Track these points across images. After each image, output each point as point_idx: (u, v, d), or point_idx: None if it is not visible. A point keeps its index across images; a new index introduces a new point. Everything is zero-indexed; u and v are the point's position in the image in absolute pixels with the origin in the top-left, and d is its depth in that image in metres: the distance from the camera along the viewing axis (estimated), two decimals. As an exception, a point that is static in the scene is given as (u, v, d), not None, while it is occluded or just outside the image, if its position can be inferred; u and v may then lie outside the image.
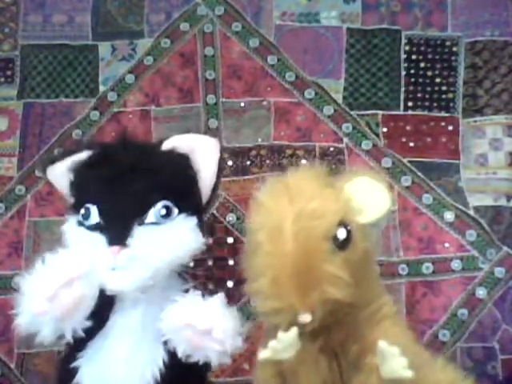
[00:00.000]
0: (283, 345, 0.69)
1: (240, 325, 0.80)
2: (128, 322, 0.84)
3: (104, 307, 0.83)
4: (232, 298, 1.05)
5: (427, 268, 1.31)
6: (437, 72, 1.40)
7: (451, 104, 1.38)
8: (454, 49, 1.40)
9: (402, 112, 1.39)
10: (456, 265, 1.31)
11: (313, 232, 0.71)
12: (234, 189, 1.37)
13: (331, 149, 1.38)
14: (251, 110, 1.41)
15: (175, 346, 0.80)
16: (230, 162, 1.38)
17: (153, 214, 0.80)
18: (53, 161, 0.91)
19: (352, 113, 1.39)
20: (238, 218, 1.35)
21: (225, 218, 1.35)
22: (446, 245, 1.32)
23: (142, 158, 0.84)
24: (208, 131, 1.39)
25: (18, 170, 1.41)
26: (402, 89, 1.40)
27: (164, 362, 0.83)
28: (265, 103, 1.41)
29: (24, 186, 1.40)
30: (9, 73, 1.46)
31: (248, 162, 1.39)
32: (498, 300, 1.29)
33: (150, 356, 0.84)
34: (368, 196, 0.75)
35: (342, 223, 0.73)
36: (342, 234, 0.72)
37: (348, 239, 0.72)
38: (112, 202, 0.80)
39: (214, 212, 1.33)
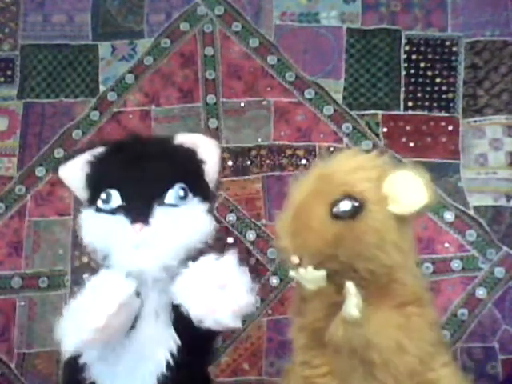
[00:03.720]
0: (309, 276, 0.78)
1: (251, 283, 0.81)
2: (144, 310, 0.86)
3: None
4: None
5: (427, 268, 1.31)
6: (437, 72, 1.40)
7: (451, 104, 1.38)
8: (454, 49, 1.40)
9: (402, 112, 1.39)
10: (456, 265, 1.31)
11: (316, 192, 0.79)
12: (234, 189, 1.37)
13: (331, 149, 1.38)
14: (251, 109, 1.41)
15: (187, 309, 0.80)
16: (229, 162, 1.38)
17: (171, 196, 0.84)
18: (65, 161, 0.94)
19: (352, 113, 1.39)
20: (238, 218, 1.35)
21: (225, 218, 1.35)
22: (446, 245, 1.32)
23: (155, 145, 0.90)
24: (208, 131, 1.39)
25: (17, 170, 1.41)
26: (402, 89, 1.40)
27: (175, 346, 0.85)
28: (265, 103, 1.41)
29: (24, 185, 1.40)
30: (9, 73, 1.46)
31: (248, 162, 1.39)
32: (498, 300, 1.29)
33: (163, 340, 0.85)
34: (406, 189, 0.78)
35: (351, 197, 0.77)
36: (344, 205, 0.77)
37: (351, 213, 0.77)
38: (132, 184, 0.84)
39: (214, 212, 1.33)
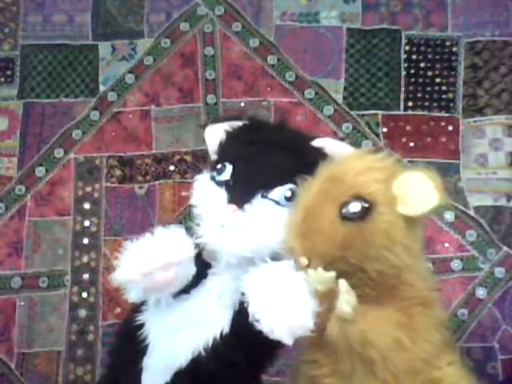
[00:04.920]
0: (319, 278, 0.77)
1: (315, 308, 0.78)
2: (208, 286, 0.87)
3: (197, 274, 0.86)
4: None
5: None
6: (437, 72, 1.40)
7: (451, 104, 1.38)
8: (454, 49, 1.40)
9: (402, 112, 1.39)
10: (456, 265, 1.31)
11: (325, 194, 0.79)
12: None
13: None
14: (251, 110, 1.41)
15: (249, 302, 0.78)
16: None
17: (278, 193, 0.84)
18: (215, 121, 0.95)
19: (352, 113, 1.39)
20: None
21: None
22: (446, 245, 1.32)
23: (292, 138, 0.89)
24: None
25: (17, 169, 1.41)
26: (402, 89, 1.40)
27: (222, 332, 0.85)
28: (265, 103, 1.41)
29: (24, 185, 1.40)
30: (9, 73, 1.46)
31: (248, 162, 1.38)
32: (498, 300, 1.29)
33: (214, 320, 0.86)
34: (416, 190, 0.78)
35: (361, 198, 0.77)
36: (354, 207, 0.77)
37: (361, 214, 0.77)
38: (248, 166, 0.84)
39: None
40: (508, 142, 1.35)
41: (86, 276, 1.35)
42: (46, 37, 1.48)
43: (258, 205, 0.82)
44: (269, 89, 1.42)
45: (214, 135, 0.92)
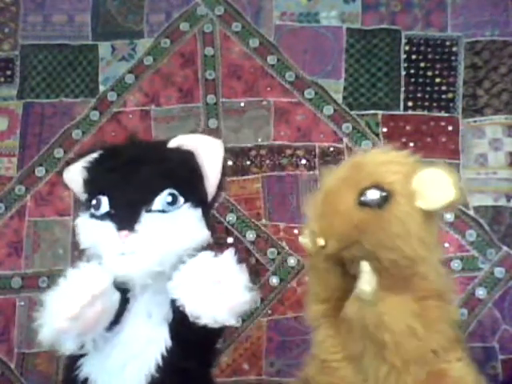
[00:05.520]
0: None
1: (248, 280, 0.81)
2: (134, 309, 0.87)
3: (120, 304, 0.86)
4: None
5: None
6: (437, 72, 1.40)
7: (451, 104, 1.38)
8: (454, 49, 1.40)
9: (402, 112, 1.39)
10: (456, 265, 1.31)
11: (347, 180, 0.82)
12: (234, 189, 1.37)
13: (331, 149, 1.38)
14: (251, 109, 1.41)
15: (183, 305, 0.80)
16: (229, 162, 1.38)
17: (159, 202, 0.84)
18: (68, 164, 0.96)
19: (352, 113, 1.39)
20: (237, 218, 1.35)
21: (225, 218, 1.35)
22: (446, 245, 1.32)
23: (148, 150, 0.90)
24: (208, 131, 1.39)
25: (17, 169, 1.41)
26: (402, 89, 1.40)
27: (166, 347, 0.85)
28: (265, 103, 1.41)
29: (24, 185, 1.40)
30: (9, 73, 1.46)
31: (248, 162, 1.39)
32: (498, 300, 1.29)
33: (154, 339, 0.85)
34: (434, 185, 0.80)
35: (380, 186, 0.80)
36: (372, 194, 0.80)
37: (378, 202, 0.79)
38: (120, 190, 0.84)
39: (214, 212, 1.33)
40: (508, 141, 1.35)
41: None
42: (46, 37, 1.48)
43: (147, 221, 0.83)
44: (269, 89, 1.42)
45: (74, 176, 0.92)
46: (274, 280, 1.33)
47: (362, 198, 0.80)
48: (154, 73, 1.44)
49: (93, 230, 0.85)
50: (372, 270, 0.78)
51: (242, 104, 1.42)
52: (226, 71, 1.43)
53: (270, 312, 1.32)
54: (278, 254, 1.33)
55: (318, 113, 1.40)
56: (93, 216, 0.86)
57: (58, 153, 1.41)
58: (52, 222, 1.38)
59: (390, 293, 0.80)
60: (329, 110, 1.40)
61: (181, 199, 0.86)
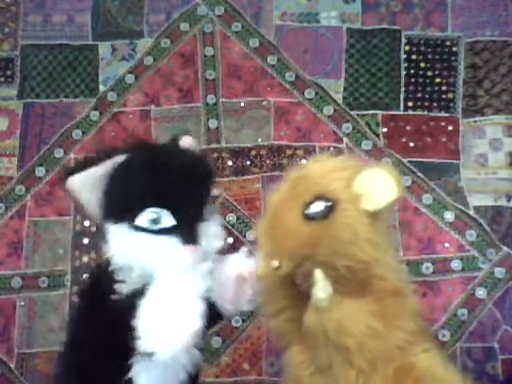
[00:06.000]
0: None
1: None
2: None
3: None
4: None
5: (427, 268, 1.31)
6: (437, 72, 1.40)
7: (451, 104, 1.38)
8: (454, 49, 1.40)
9: (402, 112, 1.39)
10: (456, 265, 1.31)
11: (290, 196, 0.82)
12: (234, 189, 1.37)
13: (331, 149, 1.38)
14: (251, 109, 1.41)
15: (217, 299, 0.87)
16: (229, 162, 1.38)
17: (206, 212, 0.87)
18: (73, 171, 0.89)
19: (352, 113, 1.39)
20: (237, 218, 1.35)
21: (225, 218, 1.35)
22: (446, 245, 1.32)
23: (194, 162, 0.89)
24: (208, 131, 1.39)
25: (17, 169, 1.41)
26: (402, 89, 1.40)
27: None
28: (265, 103, 1.41)
29: (24, 185, 1.40)
30: (9, 73, 1.46)
31: (248, 162, 1.39)
32: (498, 300, 1.29)
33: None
34: (376, 186, 0.80)
35: (323, 197, 0.80)
36: (316, 206, 0.80)
37: (324, 213, 0.79)
38: (182, 204, 0.85)
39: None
40: (508, 141, 1.35)
41: (85, 276, 1.35)
42: (46, 37, 1.48)
43: (203, 230, 0.86)
44: (269, 89, 1.42)
45: (84, 187, 0.88)
46: (274, 280, 1.33)
47: (307, 212, 0.80)
48: (154, 73, 1.44)
49: (146, 245, 0.83)
50: (325, 277, 0.78)
51: (242, 104, 1.42)
52: (226, 71, 1.43)
53: (269, 312, 1.32)
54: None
55: (318, 113, 1.40)
56: (143, 229, 0.83)
57: (58, 153, 1.41)
58: (52, 222, 1.38)
59: (349, 297, 0.81)
60: (329, 110, 1.40)
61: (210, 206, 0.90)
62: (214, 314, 0.86)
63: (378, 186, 0.80)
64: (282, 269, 0.80)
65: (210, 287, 0.85)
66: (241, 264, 0.88)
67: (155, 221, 0.83)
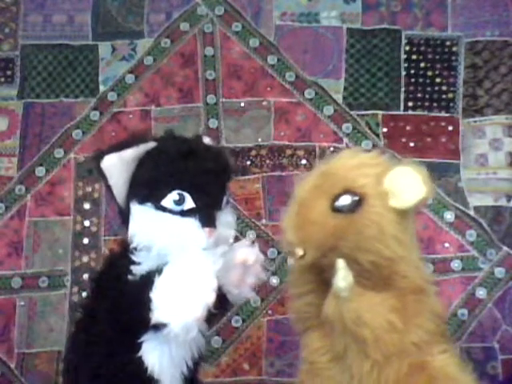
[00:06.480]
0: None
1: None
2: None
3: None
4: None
5: (427, 268, 1.31)
6: (437, 72, 1.40)
7: (451, 104, 1.38)
8: (454, 49, 1.40)
9: (402, 112, 1.39)
10: (456, 265, 1.31)
11: (318, 188, 0.83)
12: (234, 189, 1.37)
13: (331, 149, 1.38)
14: (251, 109, 1.41)
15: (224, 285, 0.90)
16: (229, 162, 1.38)
17: (224, 201, 0.93)
18: (105, 153, 0.94)
19: (352, 113, 1.39)
20: (237, 218, 1.35)
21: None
22: (446, 245, 1.32)
23: (217, 155, 0.95)
24: (208, 131, 1.39)
25: (17, 169, 1.41)
26: (402, 89, 1.40)
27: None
28: (265, 103, 1.41)
29: (24, 185, 1.40)
30: (9, 73, 1.46)
31: (248, 162, 1.39)
32: (498, 300, 1.29)
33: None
34: (405, 184, 0.81)
35: (351, 191, 0.81)
36: (344, 200, 0.81)
37: (351, 207, 0.81)
38: (204, 190, 0.90)
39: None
40: (508, 141, 1.35)
41: (86, 276, 1.35)
42: (46, 37, 1.48)
43: (220, 217, 0.91)
44: (269, 89, 1.42)
45: (117, 166, 0.92)
46: (274, 280, 1.33)
47: (335, 204, 0.81)
48: (154, 73, 1.44)
49: (167, 225, 0.89)
50: (347, 267, 0.79)
51: (242, 104, 1.42)
52: (226, 71, 1.43)
53: (270, 312, 1.32)
54: (278, 254, 1.33)
55: (318, 113, 1.40)
56: (167, 210, 0.89)
57: (58, 153, 1.41)
58: (52, 222, 1.38)
59: (371, 291, 0.82)
60: (329, 110, 1.40)
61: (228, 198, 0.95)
62: (221, 299, 0.89)
63: (406, 184, 0.81)
64: (306, 258, 0.82)
65: (219, 271, 0.88)
66: (246, 250, 0.92)
67: (179, 202, 0.89)
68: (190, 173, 0.90)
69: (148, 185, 0.91)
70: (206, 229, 0.88)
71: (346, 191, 0.81)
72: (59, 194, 1.39)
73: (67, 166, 1.40)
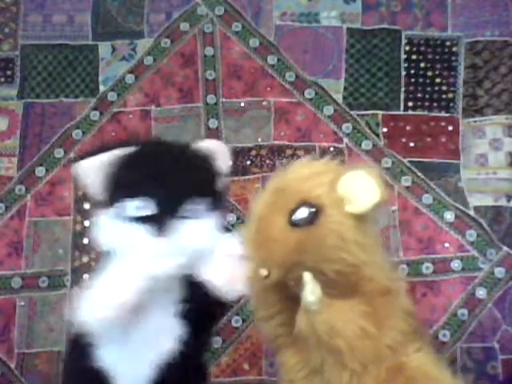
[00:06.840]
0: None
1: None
2: (153, 301, 0.90)
3: None
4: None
5: (427, 268, 1.31)
6: (437, 72, 1.40)
7: (451, 104, 1.38)
8: (454, 49, 1.40)
9: (402, 112, 1.39)
10: (456, 265, 1.31)
11: (274, 204, 0.83)
12: (234, 189, 1.37)
13: (331, 149, 1.38)
14: (251, 109, 1.41)
15: (212, 282, 0.86)
16: (229, 162, 1.38)
17: (188, 208, 0.87)
18: (84, 156, 0.94)
19: (352, 113, 1.39)
20: (237, 218, 1.35)
21: (225, 218, 1.35)
22: (446, 245, 1.32)
23: (183, 156, 0.92)
24: (208, 131, 1.39)
25: (17, 169, 1.41)
26: (402, 89, 1.40)
27: (180, 336, 0.91)
28: (265, 103, 1.41)
29: (24, 185, 1.40)
30: (9, 73, 1.46)
31: (248, 162, 1.39)
32: (498, 300, 1.29)
33: (168, 329, 0.90)
34: (358, 188, 0.80)
35: (307, 203, 0.80)
36: (301, 213, 0.80)
37: (309, 219, 0.80)
38: (159, 196, 0.86)
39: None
40: (508, 141, 1.35)
41: (86, 276, 1.35)
42: (46, 37, 1.48)
43: (178, 226, 0.86)
44: (269, 89, 1.42)
45: (90, 170, 0.91)
46: (274, 280, 1.33)
47: (293, 219, 0.80)
48: (154, 73, 1.44)
49: (123, 231, 0.87)
50: (314, 280, 0.79)
51: (242, 104, 1.42)
52: (225, 71, 1.43)
53: (270, 312, 1.32)
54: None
55: (318, 113, 1.40)
56: (123, 217, 0.86)
57: (58, 153, 1.41)
58: (52, 222, 1.38)
59: (339, 299, 0.81)
60: (329, 110, 1.40)
61: (205, 207, 0.89)
62: (214, 302, 0.88)
63: (360, 188, 0.80)
64: (271, 277, 0.81)
65: (206, 273, 0.87)
66: (229, 242, 0.89)
67: (136, 209, 0.86)
68: (148, 180, 0.88)
69: (109, 190, 0.89)
70: (159, 236, 0.85)
71: (302, 204, 0.80)
72: (59, 193, 1.39)
73: (67, 166, 1.40)
